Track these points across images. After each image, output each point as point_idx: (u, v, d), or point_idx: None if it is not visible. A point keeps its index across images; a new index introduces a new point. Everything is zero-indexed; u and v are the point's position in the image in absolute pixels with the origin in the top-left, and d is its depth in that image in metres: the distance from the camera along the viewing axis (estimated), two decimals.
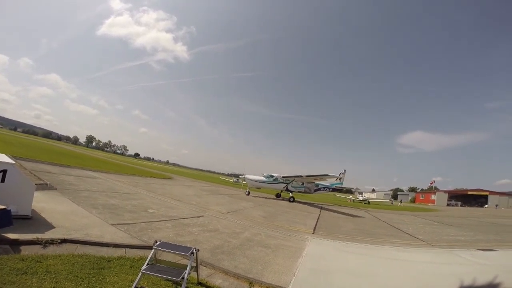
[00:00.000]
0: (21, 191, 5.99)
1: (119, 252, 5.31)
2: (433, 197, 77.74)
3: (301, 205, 26.32)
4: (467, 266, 7.21)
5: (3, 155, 7.15)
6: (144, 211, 9.86)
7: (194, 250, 4.20)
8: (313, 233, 11.31)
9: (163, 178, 30.54)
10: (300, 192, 29.96)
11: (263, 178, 28.77)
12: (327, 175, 26.21)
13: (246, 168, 30.60)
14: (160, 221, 8.80)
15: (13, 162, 6.23)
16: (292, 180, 28.28)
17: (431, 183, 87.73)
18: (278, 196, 30.33)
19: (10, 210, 4.85)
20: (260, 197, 28.19)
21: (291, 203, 26.36)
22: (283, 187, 28.43)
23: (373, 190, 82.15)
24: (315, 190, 31.18)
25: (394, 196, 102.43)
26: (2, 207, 4.72)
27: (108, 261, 4.66)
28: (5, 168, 5.72)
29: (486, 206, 64.28)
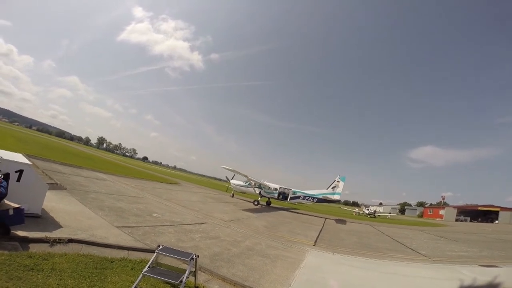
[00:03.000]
0: (34, 191, 6.28)
1: (122, 254, 5.53)
2: (441, 212, 75.73)
3: (304, 216, 26.21)
4: (467, 282, 7.12)
5: (20, 155, 7.51)
6: (149, 215, 10.12)
7: (194, 256, 4.40)
8: (314, 245, 11.30)
9: (170, 183, 30.89)
10: (273, 198, 29.79)
11: (242, 183, 29.92)
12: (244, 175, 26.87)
13: (257, 176, 30.27)
14: (164, 225, 9.03)
15: (29, 163, 6.57)
16: (265, 186, 29.13)
17: (443, 198, 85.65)
18: (268, 204, 30.47)
19: (23, 209, 5.14)
20: (266, 211, 28.31)
21: (296, 214, 26.57)
22: (258, 192, 28.71)
23: (380, 204, 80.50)
24: (292, 198, 29.65)
25: (402, 211, 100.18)
26: (16, 206, 5.01)
27: (111, 262, 4.87)
28: (22, 169, 6.04)
29: (496, 222, 62.21)
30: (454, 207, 77.51)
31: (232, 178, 30.88)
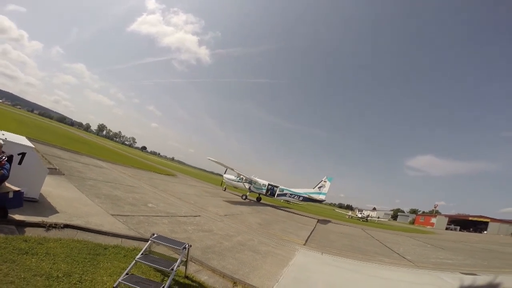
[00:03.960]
0: (34, 175, 6.33)
1: (116, 241, 5.69)
2: (433, 220, 76.71)
3: (298, 216, 26.53)
4: None
5: (23, 137, 7.44)
6: (144, 205, 10.29)
7: (187, 245, 4.59)
8: (304, 245, 11.54)
9: (167, 174, 31.03)
10: (262, 194, 30.39)
11: (234, 177, 30.55)
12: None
13: (249, 172, 30.68)
14: (158, 216, 9.21)
15: (32, 146, 6.60)
16: (254, 181, 29.82)
17: (435, 207, 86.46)
18: (258, 200, 31.17)
19: (23, 192, 5.26)
20: (259, 203, 28.61)
21: (290, 213, 27.06)
22: (248, 187, 29.45)
23: (374, 209, 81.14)
24: (279, 195, 30.02)
25: (394, 216, 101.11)
26: (17, 189, 5.12)
27: (104, 248, 5.04)
28: (24, 151, 6.09)
29: (485, 232, 63.23)
30: (446, 215, 78.42)
31: (225, 172, 31.25)
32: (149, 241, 4.55)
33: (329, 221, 29.35)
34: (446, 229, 67.79)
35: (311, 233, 15.69)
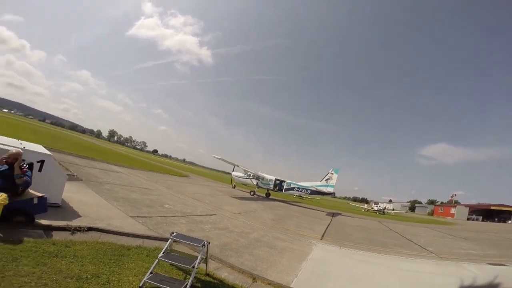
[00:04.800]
0: (54, 181, 6.55)
1: (138, 242, 5.82)
2: (452, 210, 74.38)
3: (312, 211, 26.38)
4: (473, 280, 7.16)
5: (41, 146, 7.75)
6: (161, 206, 10.48)
7: (206, 243, 4.63)
8: (321, 239, 11.48)
9: (180, 176, 31.48)
10: (270, 189, 30.35)
11: (242, 174, 30.84)
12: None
13: (255, 169, 30.98)
14: (175, 216, 9.37)
15: (50, 153, 6.83)
16: (262, 177, 30.01)
17: (451, 197, 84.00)
18: (267, 195, 31.10)
19: (46, 198, 5.44)
20: (275, 200, 28.65)
21: (303, 208, 27.03)
22: (256, 183, 29.73)
23: (390, 201, 79.68)
24: (286, 189, 30.07)
25: (412, 208, 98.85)
26: (40, 194, 5.31)
27: (128, 249, 5.15)
28: (43, 159, 6.31)
29: (509, 222, 60.75)
30: (466, 205, 75.97)
31: (233, 170, 31.48)
32: (170, 240, 4.61)
33: (344, 215, 29.02)
34: (468, 219, 65.63)
35: (327, 227, 15.59)
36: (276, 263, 6.80)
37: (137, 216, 7.93)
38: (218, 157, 27.33)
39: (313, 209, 28.27)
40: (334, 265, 7.76)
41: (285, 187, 29.74)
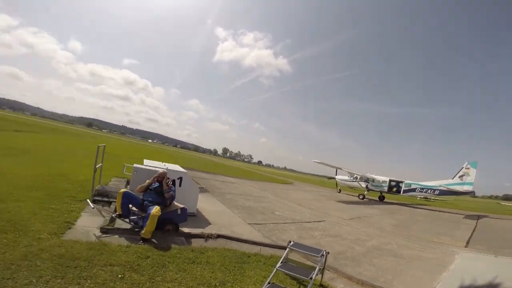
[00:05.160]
0: (191, 194, 7.88)
1: (255, 249, 6.14)
2: None
3: (445, 214, 21.39)
4: None
5: (178, 165, 9.63)
6: (272, 213, 10.99)
7: (324, 252, 4.39)
8: (465, 247, 9.40)
9: (284, 183, 32.51)
10: (383, 191, 26.45)
11: (347, 177, 29.01)
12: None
13: (360, 171, 28.20)
14: (285, 223, 9.57)
15: (185, 171, 8.34)
16: (371, 179, 27.05)
17: None
18: (381, 199, 27.39)
19: (186, 208, 6.55)
20: (388, 203, 25.19)
21: (430, 211, 22.46)
22: (364, 186, 27.15)
23: None
24: (405, 191, 25.15)
25: None
26: (182, 206, 6.46)
27: (248, 256, 5.43)
28: (181, 176, 7.77)
29: None
30: None
31: (336, 173, 29.81)
32: (287, 249, 4.61)
33: (492, 217, 22.09)
34: None
35: (472, 233, 12.45)
36: (404, 274, 5.84)
37: (253, 223, 8.54)
38: (318, 161, 26.60)
39: (447, 212, 22.86)
40: (491, 277, 5.91)
41: (403, 188, 25.52)
